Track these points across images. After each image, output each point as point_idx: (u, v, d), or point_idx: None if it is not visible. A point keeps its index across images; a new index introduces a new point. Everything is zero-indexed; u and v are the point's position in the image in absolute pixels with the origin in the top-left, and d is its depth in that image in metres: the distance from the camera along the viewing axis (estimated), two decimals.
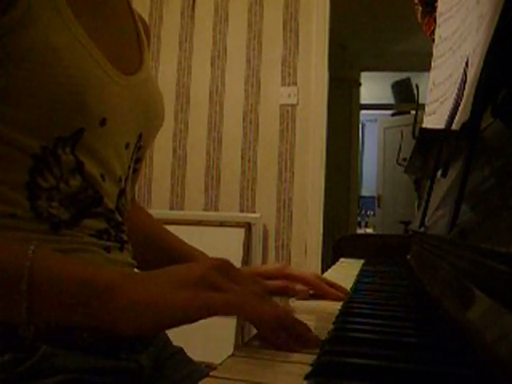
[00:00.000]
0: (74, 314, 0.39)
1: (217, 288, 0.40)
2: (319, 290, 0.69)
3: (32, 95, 0.50)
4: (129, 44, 0.67)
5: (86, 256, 0.55)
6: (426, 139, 0.94)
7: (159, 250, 0.80)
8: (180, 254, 0.79)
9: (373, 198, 5.66)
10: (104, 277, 0.39)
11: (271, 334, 0.40)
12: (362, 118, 5.48)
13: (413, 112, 4.13)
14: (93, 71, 0.54)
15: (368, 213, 6.84)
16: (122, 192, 0.63)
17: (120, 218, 0.62)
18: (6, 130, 0.50)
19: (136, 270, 0.67)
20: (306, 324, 0.43)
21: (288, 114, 2.57)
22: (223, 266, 0.43)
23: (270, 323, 0.40)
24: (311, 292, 0.70)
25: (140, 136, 0.66)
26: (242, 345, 0.43)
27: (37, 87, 0.50)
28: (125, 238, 0.63)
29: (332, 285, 0.70)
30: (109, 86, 0.57)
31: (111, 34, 0.62)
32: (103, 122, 0.56)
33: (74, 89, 0.52)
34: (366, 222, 6.77)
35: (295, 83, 2.57)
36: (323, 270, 0.94)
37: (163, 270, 0.43)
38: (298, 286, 0.70)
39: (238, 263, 2.41)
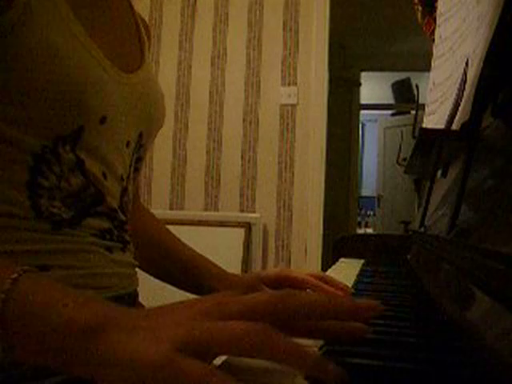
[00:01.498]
0: (50, 358, 0.33)
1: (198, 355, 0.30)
2: (319, 291, 0.69)
3: (32, 94, 0.50)
4: (129, 42, 0.67)
5: (88, 256, 0.55)
6: (426, 139, 0.94)
7: (164, 256, 0.80)
8: (183, 259, 0.79)
9: (373, 198, 5.66)
10: (83, 316, 0.33)
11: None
12: (362, 118, 5.48)
13: (413, 112, 4.13)
14: (92, 69, 0.54)
15: (368, 213, 6.84)
16: (125, 190, 0.63)
17: (123, 217, 0.62)
18: (6, 129, 0.50)
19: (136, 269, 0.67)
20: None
21: (288, 113, 2.57)
22: (212, 311, 0.33)
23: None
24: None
25: (141, 134, 0.65)
26: None
27: (36, 86, 0.50)
28: (127, 238, 0.63)
29: (335, 284, 0.70)
30: (108, 84, 0.57)
31: (111, 32, 0.62)
32: (103, 120, 0.56)
33: (74, 87, 0.52)
34: (366, 222, 6.77)
35: (295, 83, 2.57)
36: (323, 270, 0.94)
37: (149, 314, 0.34)
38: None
39: (238, 263, 2.41)
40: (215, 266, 0.79)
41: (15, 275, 0.35)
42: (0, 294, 0.34)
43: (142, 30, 0.72)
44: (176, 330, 0.31)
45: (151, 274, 0.79)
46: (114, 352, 0.30)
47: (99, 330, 0.32)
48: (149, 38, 0.76)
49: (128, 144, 0.62)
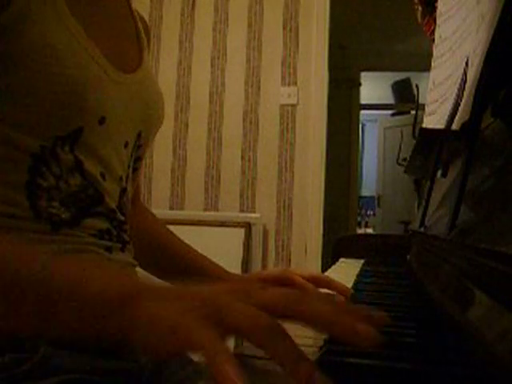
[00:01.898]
0: (85, 327, 0.37)
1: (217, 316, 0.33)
2: None
3: (30, 94, 0.50)
4: (128, 42, 0.67)
5: (87, 256, 0.55)
6: (426, 139, 0.94)
7: (165, 256, 0.80)
8: (184, 259, 0.79)
9: (373, 198, 5.66)
10: (118, 286, 0.37)
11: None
12: (362, 117, 5.48)
13: (413, 112, 4.12)
14: (91, 70, 0.54)
15: (368, 213, 6.84)
16: (124, 191, 0.63)
17: (122, 217, 0.62)
18: (5, 130, 0.50)
19: (137, 269, 0.67)
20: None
21: (288, 114, 2.57)
22: (236, 294, 0.35)
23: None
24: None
25: (139, 134, 0.65)
26: (242, 345, 0.43)
27: (35, 86, 0.49)
28: (126, 238, 0.63)
29: (334, 285, 0.70)
30: (107, 85, 0.57)
31: (110, 33, 0.62)
32: (102, 121, 0.56)
33: (73, 87, 0.52)
34: (366, 222, 6.76)
35: (295, 83, 2.57)
36: (323, 270, 0.94)
37: (174, 287, 0.37)
38: None
39: (238, 263, 2.41)
40: (217, 265, 0.79)
41: (47, 255, 0.39)
42: (43, 271, 0.38)
43: (141, 29, 0.72)
44: (201, 302, 0.33)
45: (152, 274, 0.79)
46: (144, 316, 0.34)
47: (131, 297, 0.35)
48: (148, 37, 0.75)
49: (126, 144, 0.62)
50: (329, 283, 0.71)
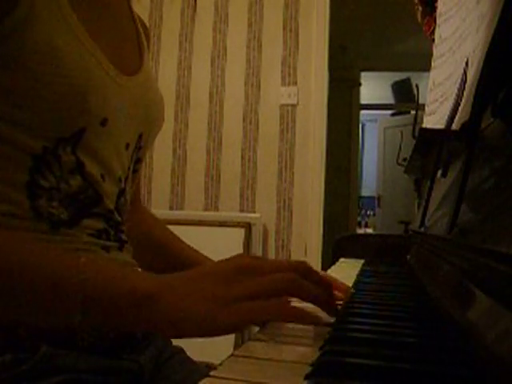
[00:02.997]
0: (119, 321, 0.44)
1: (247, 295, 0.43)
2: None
3: (34, 95, 0.50)
4: (129, 45, 0.67)
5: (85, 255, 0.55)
6: (426, 139, 0.94)
7: (166, 256, 0.80)
8: (187, 261, 0.79)
9: (373, 198, 5.66)
10: (143, 286, 0.43)
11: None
12: (362, 117, 5.48)
13: (413, 112, 4.12)
14: (94, 71, 0.54)
15: (368, 213, 6.84)
16: (122, 192, 0.63)
17: (119, 218, 0.62)
18: (8, 130, 0.50)
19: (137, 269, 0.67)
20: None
21: (288, 113, 2.57)
22: (246, 267, 0.46)
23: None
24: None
25: (140, 136, 0.66)
26: (242, 345, 0.43)
27: (38, 87, 0.50)
28: (124, 237, 0.63)
29: (335, 283, 0.70)
30: (110, 87, 0.57)
31: (112, 35, 0.62)
32: (104, 122, 0.56)
33: (76, 89, 0.52)
34: (366, 222, 6.76)
35: (295, 83, 2.57)
36: (323, 270, 0.94)
37: (193, 276, 0.45)
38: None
39: None
40: None
41: (83, 259, 0.44)
42: (79, 275, 0.43)
43: (141, 32, 0.72)
44: (217, 291, 0.42)
45: None
46: (170, 311, 0.41)
47: (157, 294, 0.42)
48: (148, 39, 0.76)
49: (127, 146, 0.63)
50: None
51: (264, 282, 0.44)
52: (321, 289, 0.48)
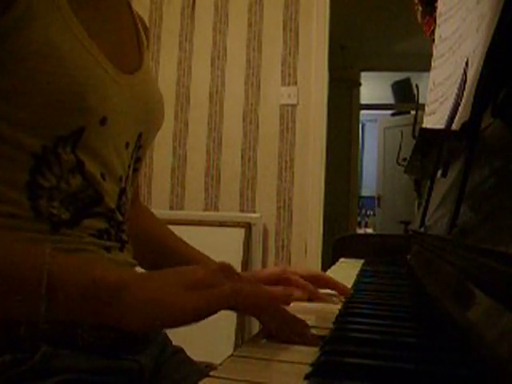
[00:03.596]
0: (87, 312, 0.42)
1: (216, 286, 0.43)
2: (315, 298, 0.68)
3: (33, 94, 0.50)
4: (129, 43, 0.67)
5: (86, 256, 0.55)
6: (426, 139, 0.94)
7: (165, 255, 0.80)
8: (186, 259, 0.79)
9: (373, 198, 5.66)
10: (113, 276, 0.42)
11: (270, 322, 0.44)
12: (362, 118, 5.48)
13: (413, 112, 4.12)
14: (93, 70, 0.54)
15: (368, 213, 6.84)
16: (123, 191, 0.63)
17: (121, 218, 0.62)
18: (7, 129, 0.50)
19: (137, 269, 0.67)
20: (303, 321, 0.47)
21: (288, 113, 2.57)
22: (225, 268, 0.46)
23: (269, 312, 0.44)
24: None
25: (140, 135, 0.66)
26: (242, 345, 0.43)
27: (37, 86, 0.50)
28: (125, 237, 0.63)
29: (334, 283, 0.70)
30: (109, 85, 0.57)
31: (111, 34, 0.62)
32: (103, 121, 0.56)
33: (75, 88, 0.52)
34: (366, 222, 6.77)
35: (295, 83, 2.57)
36: (323, 270, 0.94)
37: (169, 270, 0.45)
38: (296, 292, 0.70)
39: (238, 263, 2.41)
40: None
41: (48, 250, 0.42)
42: (44, 265, 0.41)
43: (141, 30, 0.72)
44: (181, 281, 0.42)
45: None
46: (144, 296, 0.40)
47: (123, 286, 0.41)
48: (147, 37, 0.76)
49: (127, 145, 0.63)
50: (328, 282, 0.71)
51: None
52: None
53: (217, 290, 0.42)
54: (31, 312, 0.42)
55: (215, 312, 0.41)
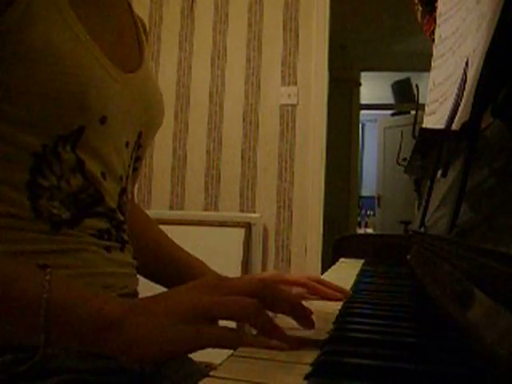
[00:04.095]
0: (86, 343, 0.43)
1: (207, 315, 0.42)
2: (316, 292, 0.68)
3: (33, 94, 0.50)
4: (129, 42, 0.67)
5: (86, 256, 0.55)
6: (426, 139, 0.94)
7: (159, 259, 0.80)
8: (181, 264, 0.79)
9: (373, 198, 5.65)
10: (109, 311, 0.42)
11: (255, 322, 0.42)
12: (362, 117, 5.48)
13: (413, 112, 4.13)
14: (93, 69, 0.54)
15: (368, 213, 6.84)
16: (124, 191, 0.63)
17: (121, 217, 0.62)
18: (7, 129, 0.50)
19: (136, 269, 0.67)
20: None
21: (288, 113, 2.57)
22: (211, 284, 0.45)
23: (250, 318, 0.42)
24: (307, 295, 0.69)
25: (140, 134, 0.66)
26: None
27: (37, 85, 0.50)
28: (126, 237, 0.63)
29: (331, 287, 0.70)
30: (109, 84, 0.57)
31: (111, 33, 0.62)
32: (103, 120, 0.56)
33: (75, 87, 0.52)
34: (366, 222, 6.76)
35: (295, 83, 2.57)
36: (323, 270, 0.94)
37: (159, 299, 0.44)
38: (294, 289, 0.69)
39: (237, 263, 2.41)
40: (209, 269, 0.79)
41: (48, 277, 0.43)
42: (42, 294, 0.42)
43: (141, 29, 0.72)
44: (184, 308, 0.41)
45: (145, 277, 0.78)
46: (137, 334, 0.40)
47: (122, 318, 0.41)
48: (147, 37, 0.76)
49: (127, 144, 0.63)
50: (315, 289, 0.69)
51: (220, 304, 0.42)
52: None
53: (208, 331, 0.41)
54: (31, 337, 0.42)
55: (203, 348, 0.41)
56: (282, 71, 2.59)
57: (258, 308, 0.42)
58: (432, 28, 1.47)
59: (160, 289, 0.91)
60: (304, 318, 0.46)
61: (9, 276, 0.43)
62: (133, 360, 0.44)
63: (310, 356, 0.38)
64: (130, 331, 0.41)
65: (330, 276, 0.89)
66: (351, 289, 0.72)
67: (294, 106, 2.56)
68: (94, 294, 0.44)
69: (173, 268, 0.78)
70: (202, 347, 0.40)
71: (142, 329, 0.41)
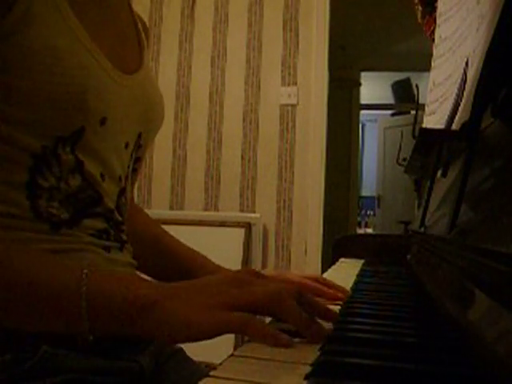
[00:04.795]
0: (123, 327, 0.45)
1: (233, 305, 0.44)
2: (317, 292, 0.68)
3: (33, 95, 0.50)
4: (129, 44, 0.67)
5: (86, 256, 0.55)
6: (426, 139, 0.94)
7: (161, 254, 0.79)
8: (183, 260, 0.78)
9: (373, 198, 5.66)
10: (144, 295, 0.44)
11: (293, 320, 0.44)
12: (362, 118, 5.48)
13: (413, 112, 4.12)
14: (93, 70, 0.54)
15: (368, 213, 6.84)
16: (122, 191, 0.63)
17: (120, 218, 0.62)
18: (7, 130, 0.50)
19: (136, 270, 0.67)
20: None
21: (288, 113, 2.57)
22: (240, 277, 0.47)
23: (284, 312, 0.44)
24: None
25: (139, 135, 0.66)
26: (241, 345, 0.43)
27: (38, 87, 0.50)
28: (124, 237, 0.63)
29: (332, 286, 0.70)
30: (109, 85, 0.57)
31: (111, 34, 0.62)
32: (103, 121, 0.56)
33: (75, 88, 0.52)
34: (366, 222, 6.76)
35: (295, 83, 2.57)
36: (323, 270, 0.94)
37: (190, 285, 0.47)
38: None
39: (237, 263, 2.41)
40: (213, 264, 0.79)
41: (86, 271, 0.45)
42: (82, 287, 0.44)
43: (141, 31, 0.72)
44: (216, 299, 0.44)
45: (148, 275, 0.78)
46: (172, 316, 0.42)
47: (156, 301, 0.43)
48: (147, 37, 0.76)
49: (127, 145, 0.63)
50: (326, 284, 0.69)
51: (245, 294, 0.45)
52: (305, 314, 0.45)
53: (236, 317, 0.43)
54: (76, 329, 0.45)
55: (227, 332, 0.43)
56: (281, 71, 2.59)
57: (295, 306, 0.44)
58: (432, 28, 1.47)
59: None
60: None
61: (50, 274, 0.45)
62: (165, 341, 0.47)
63: (310, 356, 0.38)
64: (164, 313, 0.43)
65: (330, 276, 0.89)
66: (351, 289, 0.72)
67: (293, 106, 2.56)
68: (130, 281, 0.46)
69: (174, 263, 0.78)
70: (229, 332, 0.42)
71: (175, 311, 0.43)
